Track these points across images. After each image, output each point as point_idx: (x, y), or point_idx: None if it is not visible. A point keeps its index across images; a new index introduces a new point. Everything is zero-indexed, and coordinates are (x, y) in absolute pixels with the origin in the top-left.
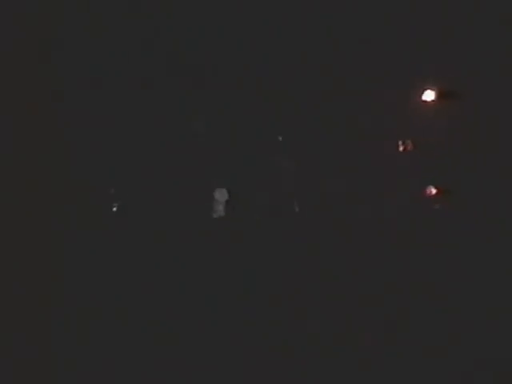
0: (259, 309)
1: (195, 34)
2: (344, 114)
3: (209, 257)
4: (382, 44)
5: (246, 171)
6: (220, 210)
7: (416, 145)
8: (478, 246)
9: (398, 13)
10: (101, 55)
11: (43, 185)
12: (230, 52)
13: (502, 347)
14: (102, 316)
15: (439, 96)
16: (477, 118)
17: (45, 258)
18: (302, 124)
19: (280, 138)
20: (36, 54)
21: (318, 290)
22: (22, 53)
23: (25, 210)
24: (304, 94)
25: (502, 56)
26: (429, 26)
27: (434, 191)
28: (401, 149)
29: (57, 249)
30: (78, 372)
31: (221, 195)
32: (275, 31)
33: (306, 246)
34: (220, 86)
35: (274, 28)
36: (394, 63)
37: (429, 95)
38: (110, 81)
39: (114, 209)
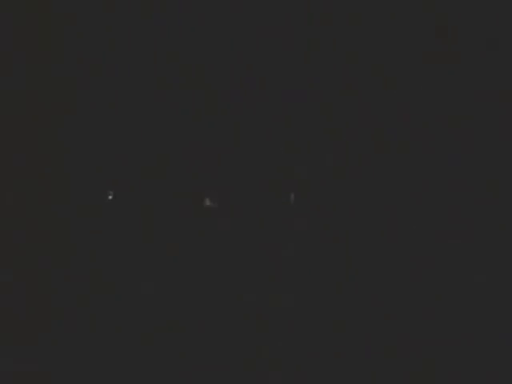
0: (255, 302)
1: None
2: (345, 111)
3: (203, 248)
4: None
5: (243, 164)
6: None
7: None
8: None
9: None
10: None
11: (40, 172)
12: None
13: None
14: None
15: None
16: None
17: (41, 247)
18: (301, 119)
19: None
20: (36, 54)
21: (317, 283)
22: (22, 52)
23: (20, 198)
24: (303, 92)
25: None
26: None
27: None
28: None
29: (53, 235)
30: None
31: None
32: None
33: (301, 237)
34: (215, 85)
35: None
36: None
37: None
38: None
39: (110, 197)
